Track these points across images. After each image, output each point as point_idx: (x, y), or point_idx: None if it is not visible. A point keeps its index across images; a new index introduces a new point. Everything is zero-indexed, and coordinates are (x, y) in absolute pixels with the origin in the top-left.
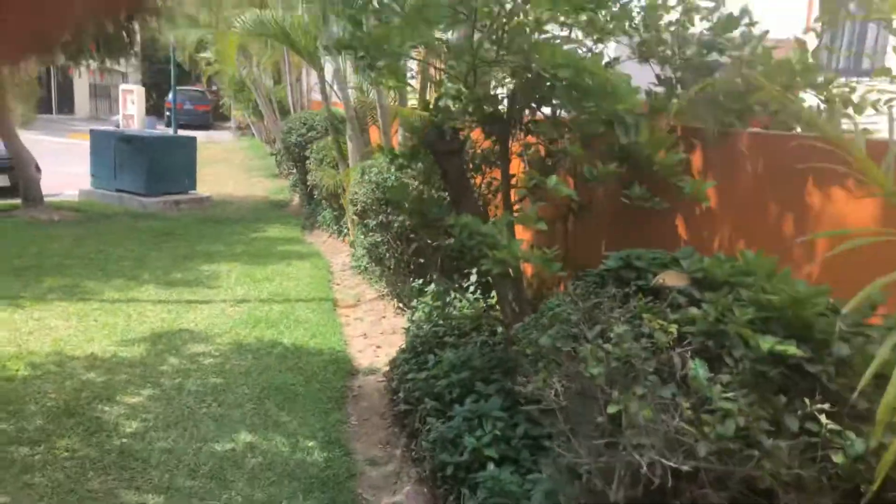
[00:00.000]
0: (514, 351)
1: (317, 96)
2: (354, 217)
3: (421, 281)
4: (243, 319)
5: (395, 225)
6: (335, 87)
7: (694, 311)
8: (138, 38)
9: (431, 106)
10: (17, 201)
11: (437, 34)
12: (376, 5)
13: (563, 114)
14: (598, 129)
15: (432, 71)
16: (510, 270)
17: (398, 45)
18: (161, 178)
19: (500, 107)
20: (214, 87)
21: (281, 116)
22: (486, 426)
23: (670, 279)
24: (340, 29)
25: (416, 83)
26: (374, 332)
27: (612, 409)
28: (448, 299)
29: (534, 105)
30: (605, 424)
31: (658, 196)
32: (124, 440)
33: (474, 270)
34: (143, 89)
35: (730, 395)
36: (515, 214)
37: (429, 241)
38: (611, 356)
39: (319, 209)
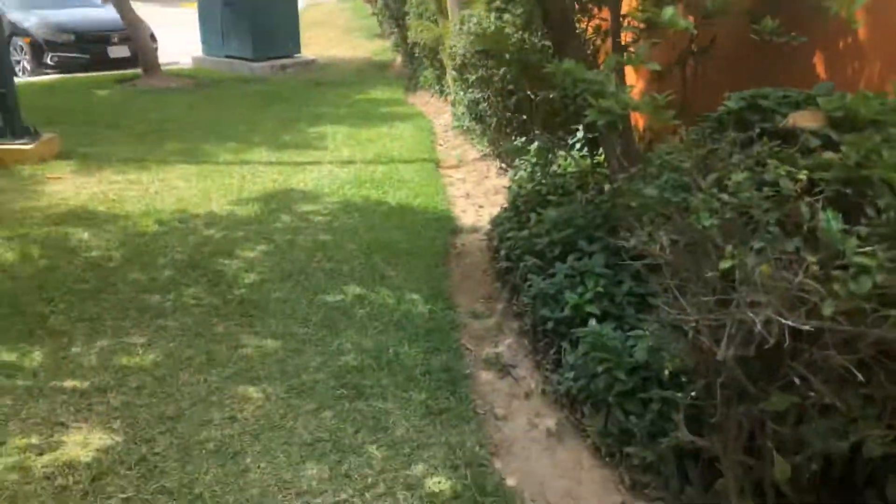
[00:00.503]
0: (619, 205)
1: None
2: (454, 73)
3: (524, 139)
4: (350, 180)
5: (496, 79)
6: None
7: (830, 155)
8: None
9: None
10: (138, 70)
11: None
12: None
13: None
14: None
15: None
16: (618, 122)
17: None
18: (266, 41)
19: None
20: None
21: None
22: (589, 283)
23: (803, 119)
24: None
25: None
26: (477, 192)
27: (725, 265)
28: (551, 157)
29: None
30: (716, 280)
31: (794, 30)
32: (243, 290)
33: (581, 125)
34: None
35: (867, 249)
36: (618, 53)
37: (531, 95)
38: (727, 206)
39: (421, 69)
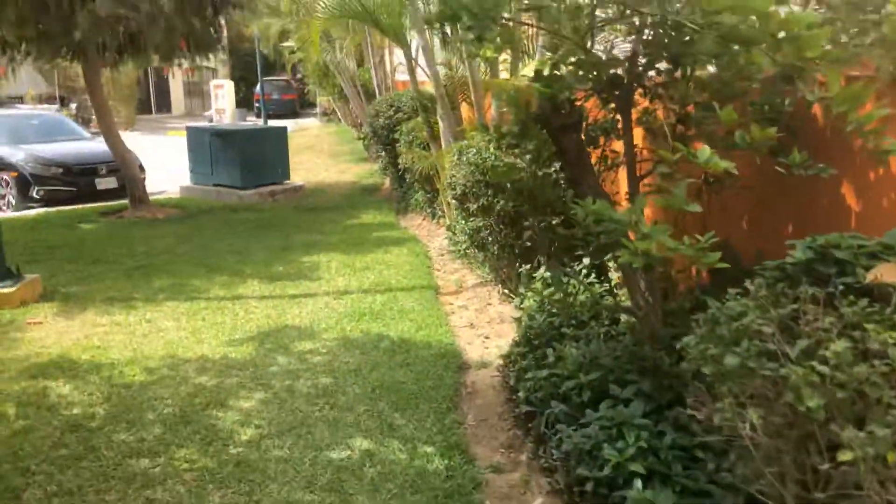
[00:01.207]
0: (656, 351)
1: (400, 77)
2: (452, 201)
3: (528, 266)
4: (347, 312)
5: (498, 207)
6: (422, 65)
7: None
8: (225, 33)
9: (544, 74)
10: (125, 201)
11: None
12: None
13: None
14: (752, 85)
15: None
16: (654, 264)
17: (508, 9)
18: (255, 170)
19: (618, 70)
20: (299, 75)
21: (365, 99)
22: (629, 437)
23: (890, 274)
24: (424, 4)
25: (507, 52)
26: (481, 322)
27: (845, 456)
28: (566, 287)
29: (660, 64)
30: (829, 472)
31: (819, 160)
32: (240, 449)
33: (586, 252)
34: (232, 83)
35: None
36: (646, 192)
37: (536, 223)
38: (831, 382)
39: (411, 192)
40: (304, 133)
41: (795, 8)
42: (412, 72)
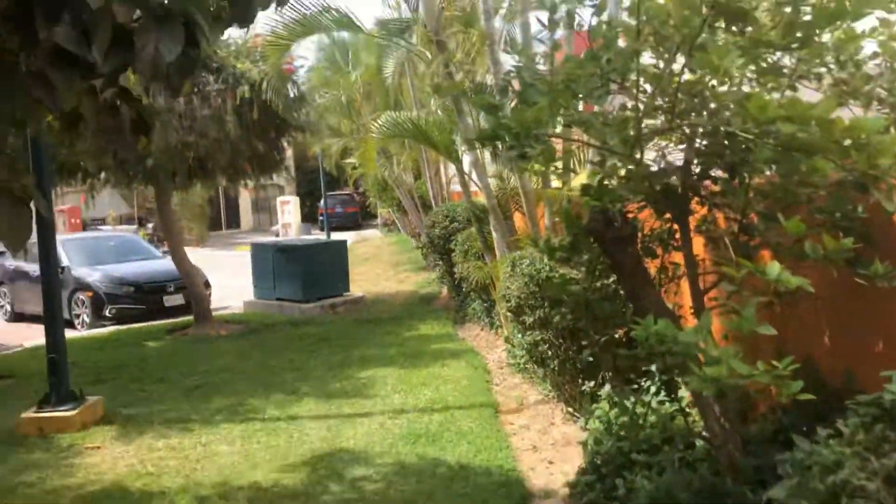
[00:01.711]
0: (738, 486)
1: (456, 188)
2: (508, 313)
3: (592, 383)
4: (403, 434)
5: (556, 320)
6: (474, 178)
7: None
8: (288, 153)
9: (593, 187)
10: (191, 318)
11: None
12: (515, 87)
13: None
14: (818, 192)
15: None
16: (728, 391)
17: (548, 126)
18: (316, 283)
19: (671, 179)
20: (361, 189)
21: (423, 210)
22: None
23: None
24: (474, 119)
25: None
26: (545, 444)
27: None
28: (632, 410)
29: (714, 173)
30: None
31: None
32: None
33: (653, 367)
34: (297, 199)
35: None
36: (712, 308)
37: (597, 339)
38: None
39: (468, 301)
40: (365, 243)
41: (857, 111)
42: (465, 184)
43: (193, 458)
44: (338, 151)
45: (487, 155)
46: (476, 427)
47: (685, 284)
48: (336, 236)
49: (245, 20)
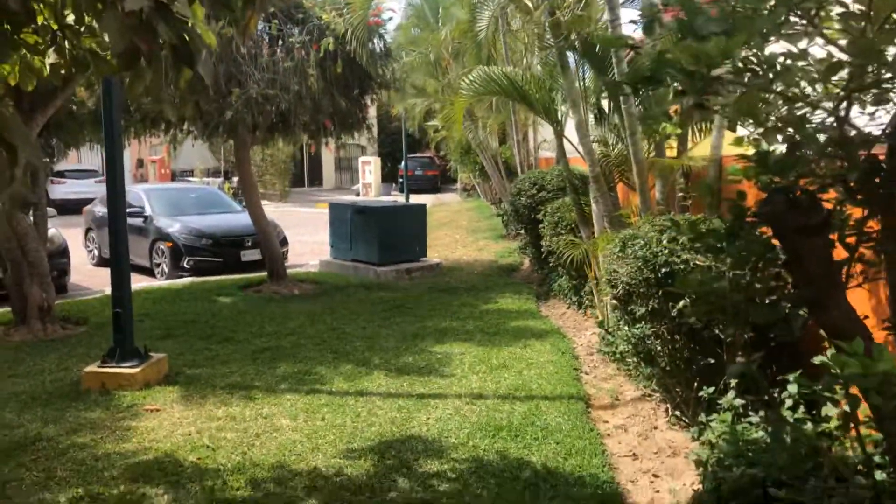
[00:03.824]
0: None
1: (544, 153)
2: (613, 301)
3: (712, 389)
4: (481, 424)
5: (674, 313)
6: (573, 142)
7: None
8: (371, 112)
9: (777, 157)
10: (265, 274)
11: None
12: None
13: None
14: None
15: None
16: None
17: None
18: (393, 247)
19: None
20: (442, 153)
21: (506, 176)
22: None
23: None
24: (583, 73)
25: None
26: (647, 452)
27: None
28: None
29: None
30: None
31: None
32: None
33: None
34: (378, 160)
35: None
36: None
37: (723, 337)
38: None
39: (554, 276)
40: (443, 207)
41: None
42: (562, 148)
43: (253, 431)
44: (421, 112)
45: (591, 118)
46: (565, 423)
47: (859, 291)
48: (414, 199)
49: None
